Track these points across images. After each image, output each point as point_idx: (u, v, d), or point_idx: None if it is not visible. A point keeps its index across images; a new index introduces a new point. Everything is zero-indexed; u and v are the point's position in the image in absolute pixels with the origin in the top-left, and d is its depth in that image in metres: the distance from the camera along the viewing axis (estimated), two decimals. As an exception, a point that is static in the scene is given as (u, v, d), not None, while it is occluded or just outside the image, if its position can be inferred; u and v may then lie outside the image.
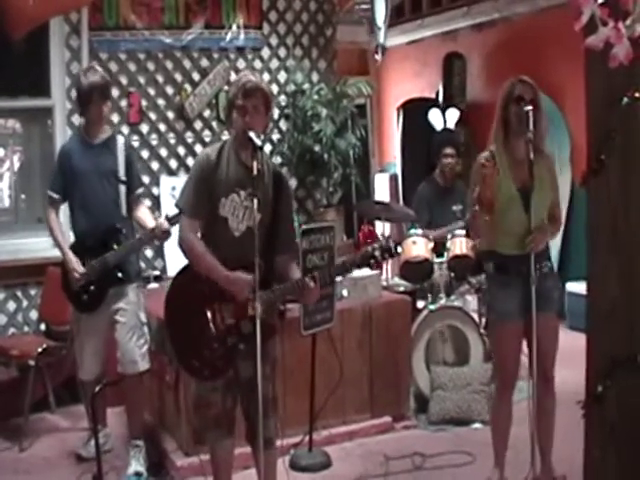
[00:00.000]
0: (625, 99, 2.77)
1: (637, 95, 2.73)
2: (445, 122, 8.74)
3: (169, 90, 6.48)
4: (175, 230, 4.06)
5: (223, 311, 3.61)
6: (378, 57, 8.19)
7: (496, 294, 4.10)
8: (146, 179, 6.34)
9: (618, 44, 1.96)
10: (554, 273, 4.09)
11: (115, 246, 4.54)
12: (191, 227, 3.68)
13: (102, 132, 4.74)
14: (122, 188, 4.65)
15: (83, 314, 4.67)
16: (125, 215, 4.68)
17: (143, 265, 6.15)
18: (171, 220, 4.45)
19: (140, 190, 4.79)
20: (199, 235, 3.71)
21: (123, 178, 4.65)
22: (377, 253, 3.56)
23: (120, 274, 4.58)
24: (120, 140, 4.77)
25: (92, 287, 4.58)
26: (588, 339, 3.25)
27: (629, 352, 2.98)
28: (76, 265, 4.56)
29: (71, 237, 4.84)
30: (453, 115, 8.73)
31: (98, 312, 4.61)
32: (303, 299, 3.73)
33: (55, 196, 4.74)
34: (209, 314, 3.62)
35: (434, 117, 8.78)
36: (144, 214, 4.72)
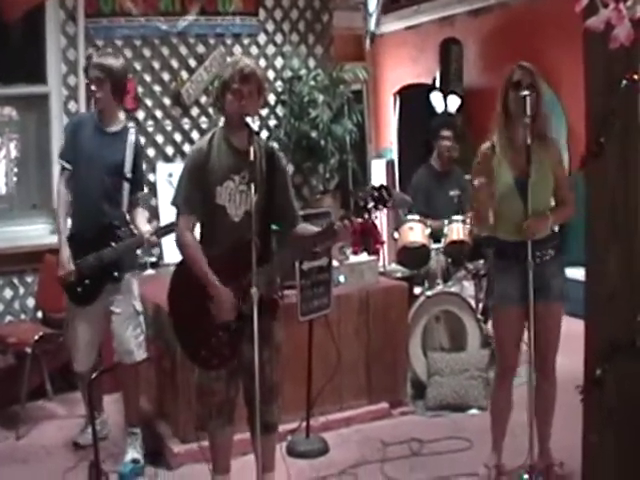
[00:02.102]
0: (624, 82, 2.76)
1: (636, 77, 2.72)
2: (446, 108, 8.71)
3: (165, 76, 6.45)
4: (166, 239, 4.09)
5: None
6: (367, 43, 8.17)
7: (496, 279, 4.14)
8: (142, 166, 6.31)
9: (619, 25, 1.95)
10: (558, 261, 4.01)
11: (112, 243, 4.44)
12: (187, 224, 3.66)
13: (114, 122, 4.59)
14: (126, 185, 4.53)
15: (78, 307, 4.61)
16: (125, 213, 4.57)
17: (139, 252, 6.11)
18: (160, 234, 4.41)
19: (141, 193, 4.69)
20: (198, 226, 3.71)
21: (128, 175, 4.52)
22: (370, 205, 3.57)
23: (116, 273, 4.49)
24: (132, 135, 4.59)
25: (87, 281, 4.50)
26: (587, 324, 3.25)
27: (628, 336, 2.98)
28: (66, 261, 4.45)
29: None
30: (454, 101, 8.70)
31: (93, 305, 4.56)
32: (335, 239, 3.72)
33: (67, 165, 4.56)
34: (210, 302, 3.62)
35: (436, 101, 8.75)
36: (138, 221, 4.59)
